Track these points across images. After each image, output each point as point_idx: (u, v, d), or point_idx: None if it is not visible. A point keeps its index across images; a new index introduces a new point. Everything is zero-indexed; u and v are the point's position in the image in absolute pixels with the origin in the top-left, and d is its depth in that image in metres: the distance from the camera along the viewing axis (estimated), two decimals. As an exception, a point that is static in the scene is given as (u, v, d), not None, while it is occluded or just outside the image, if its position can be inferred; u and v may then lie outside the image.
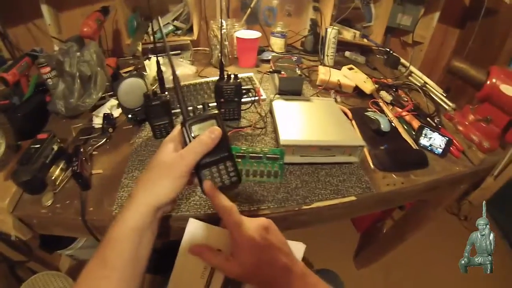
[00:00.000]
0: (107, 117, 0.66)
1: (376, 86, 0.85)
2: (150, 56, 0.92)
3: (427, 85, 0.91)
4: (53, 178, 0.51)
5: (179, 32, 1.05)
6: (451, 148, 0.66)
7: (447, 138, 0.64)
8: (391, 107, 0.80)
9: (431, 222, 0.90)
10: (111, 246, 0.34)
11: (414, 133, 0.71)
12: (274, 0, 1.09)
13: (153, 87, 0.80)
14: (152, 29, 0.71)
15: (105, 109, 0.71)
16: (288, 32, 1.09)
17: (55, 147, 0.56)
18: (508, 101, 0.62)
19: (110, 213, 0.48)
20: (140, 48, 0.90)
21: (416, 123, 0.72)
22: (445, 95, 0.86)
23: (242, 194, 0.53)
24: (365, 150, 0.64)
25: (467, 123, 0.72)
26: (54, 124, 0.71)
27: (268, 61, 1.03)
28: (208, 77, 0.87)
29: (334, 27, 0.99)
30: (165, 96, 0.60)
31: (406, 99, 0.82)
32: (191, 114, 0.38)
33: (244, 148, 0.54)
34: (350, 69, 0.89)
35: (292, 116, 0.67)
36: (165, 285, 0.40)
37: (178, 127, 0.39)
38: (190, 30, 1.05)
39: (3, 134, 0.55)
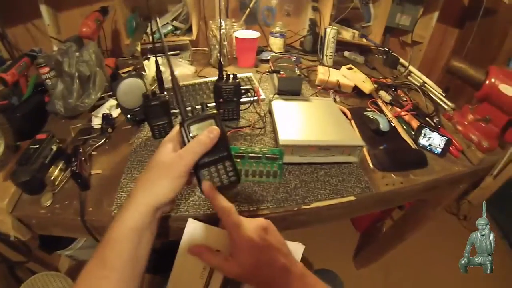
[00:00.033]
0: (106, 117, 0.66)
1: (375, 86, 0.85)
2: (149, 56, 0.92)
3: (426, 85, 0.91)
4: (52, 178, 0.51)
5: (178, 32, 1.05)
6: (450, 147, 0.66)
7: (446, 138, 0.64)
8: (390, 107, 0.80)
9: (431, 222, 0.90)
10: (110, 246, 0.34)
11: (413, 133, 0.71)
12: (273, 0, 1.08)
13: (152, 87, 0.80)
14: (151, 29, 0.70)
15: (104, 109, 0.71)
16: (287, 32, 1.09)
17: (54, 148, 0.56)
18: (507, 101, 0.62)
19: (109, 213, 0.48)
20: (139, 48, 0.90)
21: (415, 123, 0.72)
22: (444, 95, 0.86)
23: (241, 194, 0.53)
24: (364, 150, 0.64)
25: (466, 122, 0.72)
26: (53, 124, 0.71)
27: (267, 61, 1.03)
28: (207, 77, 0.87)
29: (333, 27, 0.99)
30: (164, 96, 0.60)
31: (405, 99, 0.82)
32: (190, 114, 0.38)
33: (243, 148, 0.54)
34: (349, 69, 0.89)
35: (291, 116, 0.67)
36: (165, 285, 0.40)
37: (176, 127, 0.39)
38: (189, 30, 1.04)
39: (2, 135, 0.55)
